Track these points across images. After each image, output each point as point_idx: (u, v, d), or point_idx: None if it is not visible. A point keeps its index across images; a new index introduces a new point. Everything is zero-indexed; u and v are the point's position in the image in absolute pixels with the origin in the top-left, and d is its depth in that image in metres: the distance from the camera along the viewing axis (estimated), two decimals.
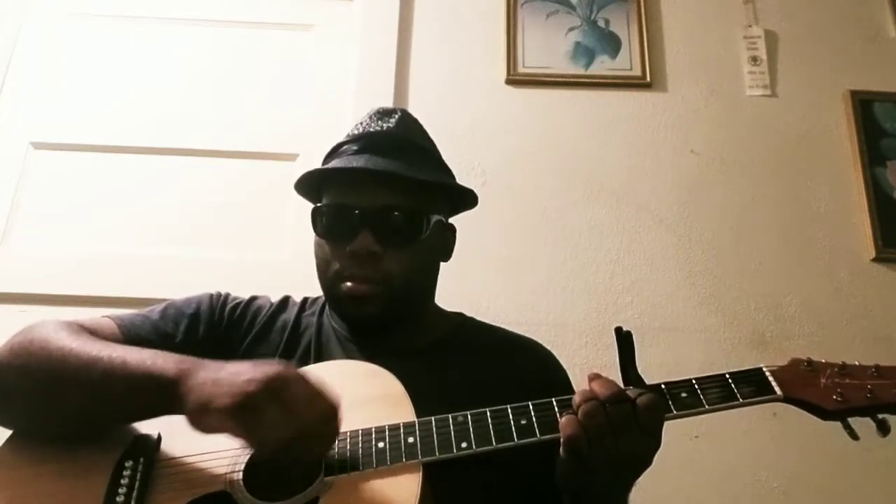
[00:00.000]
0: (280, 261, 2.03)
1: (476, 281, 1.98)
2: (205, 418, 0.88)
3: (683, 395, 0.96)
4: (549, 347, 1.28)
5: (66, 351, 0.99)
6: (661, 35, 2.30)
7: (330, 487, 0.92)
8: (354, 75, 2.22)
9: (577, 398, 0.93)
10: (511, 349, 1.25)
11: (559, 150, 2.17)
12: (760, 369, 0.99)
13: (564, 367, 1.26)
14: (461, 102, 2.21)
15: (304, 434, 0.87)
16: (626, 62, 2.26)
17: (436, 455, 0.94)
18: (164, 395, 0.92)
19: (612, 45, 2.28)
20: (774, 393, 0.96)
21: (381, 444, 0.95)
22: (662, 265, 2.05)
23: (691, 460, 1.82)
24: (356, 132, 1.20)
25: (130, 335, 1.11)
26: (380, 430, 0.96)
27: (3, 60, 2.24)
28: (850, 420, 0.94)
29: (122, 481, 0.95)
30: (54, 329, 1.04)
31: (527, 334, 1.30)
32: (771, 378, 0.97)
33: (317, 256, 1.19)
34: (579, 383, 0.98)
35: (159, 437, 1.00)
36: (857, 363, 0.98)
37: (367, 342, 1.17)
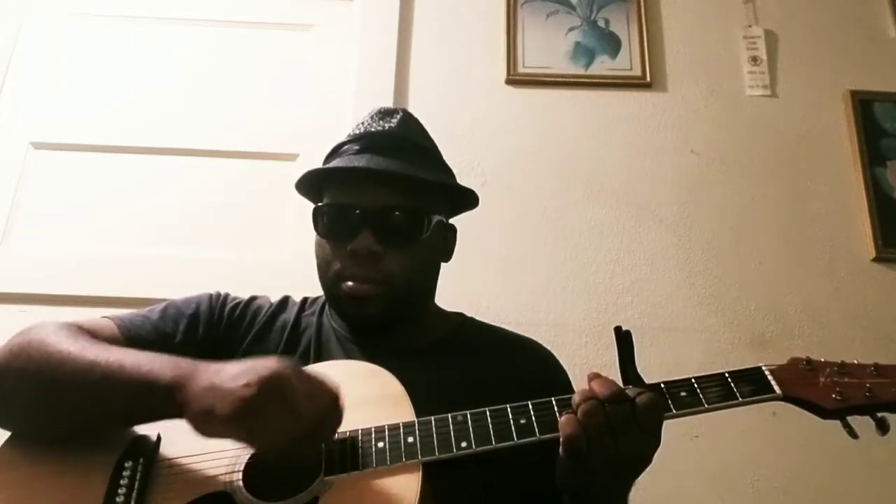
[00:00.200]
0: (280, 261, 2.03)
1: (476, 281, 1.98)
2: (208, 426, 0.89)
3: (683, 394, 0.96)
4: (549, 347, 1.28)
5: (64, 354, 0.99)
6: (661, 35, 2.30)
7: (330, 487, 0.92)
8: (354, 75, 2.22)
9: (576, 398, 0.93)
10: (511, 349, 1.25)
11: (559, 150, 2.17)
12: (760, 368, 0.99)
13: (564, 367, 1.26)
14: (461, 102, 2.21)
15: (309, 428, 0.87)
16: (626, 62, 2.26)
17: (435, 455, 0.94)
18: (162, 402, 0.92)
19: (612, 45, 2.28)
20: (774, 392, 0.96)
21: (380, 444, 0.95)
22: (662, 265, 2.05)
23: (691, 460, 1.81)
24: (357, 132, 1.21)
25: (130, 335, 1.11)
26: (379, 430, 0.96)
27: (3, 60, 2.24)
28: (850, 419, 0.94)
29: (122, 482, 0.95)
30: (54, 331, 1.04)
31: (527, 334, 1.30)
32: (770, 377, 0.97)
33: (317, 256, 1.19)
34: (579, 383, 0.98)
35: (159, 438, 1.00)
36: (856, 362, 0.98)
37: (367, 342, 1.17)
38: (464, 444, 0.95)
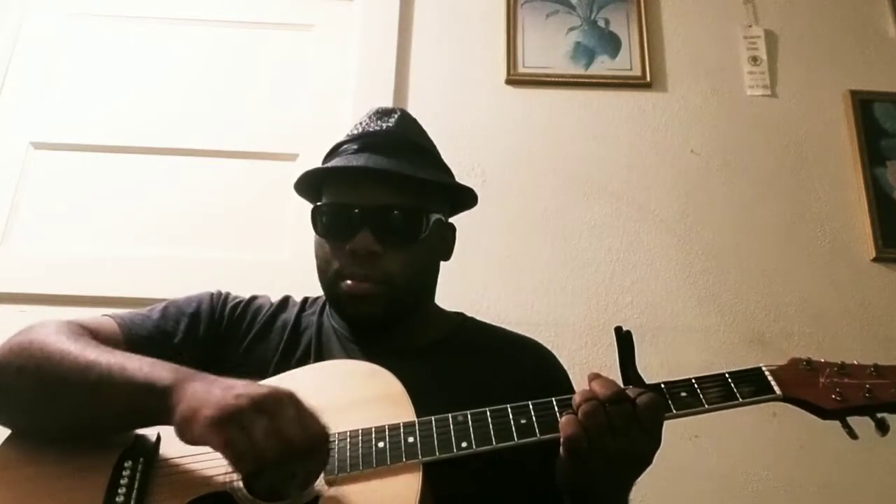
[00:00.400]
0: (280, 261, 2.03)
1: (476, 281, 1.98)
2: (189, 428, 0.87)
3: (683, 394, 0.96)
4: (549, 347, 1.28)
5: (64, 353, 0.99)
6: (661, 35, 2.30)
7: (330, 487, 0.92)
8: (354, 75, 2.22)
9: (576, 398, 0.93)
10: (512, 349, 1.25)
11: (559, 150, 2.17)
12: (760, 369, 0.99)
13: (564, 367, 1.26)
14: (461, 102, 2.21)
15: (289, 456, 0.84)
16: (626, 62, 2.26)
17: (436, 455, 0.94)
18: (157, 404, 0.92)
19: (612, 45, 2.28)
20: (774, 392, 0.96)
21: (381, 444, 0.95)
22: (662, 265, 2.05)
23: (691, 460, 1.82)
24: (356, 132, 1.21)
25: (131, 334, 1.11)
26: (380, 430, 0.96)
27: (3, 60, 2.25)
28: (850, 419, 0.94)
29: (122, 481, 0.95)
30: (54, 330, 1.04)
31: (527, 334, 1.30)
32: (770, 377, 0.97)
33: (317, 256, 1.19)
34: (579, 383, 0.98)
35: (159, 438, 0.99)
36: (856, 362, 0.98)
37: (367, 342, 1.17)
38: (464, 445, 0.95)
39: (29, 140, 2.17)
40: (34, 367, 0.99)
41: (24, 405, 1.02)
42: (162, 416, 0.92)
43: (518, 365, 1.20)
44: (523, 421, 0.96)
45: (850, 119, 2.18)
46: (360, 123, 1.22)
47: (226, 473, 0.95)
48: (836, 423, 0.95)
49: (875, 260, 2.04)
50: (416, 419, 0.97)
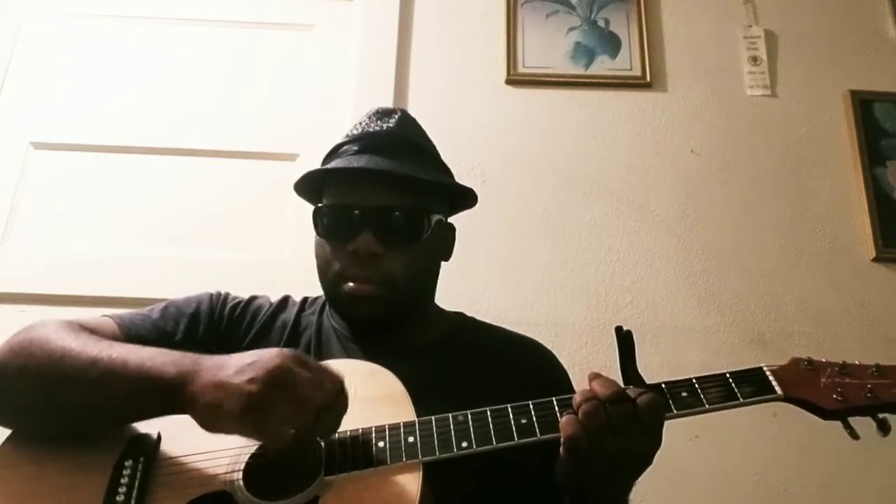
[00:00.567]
0: (280, 261, 2.03)
1: (476, 281, 1.98)
2: (216, 423, 0.89)
3: (684, 394, 0.96)
4: (549, 347, 1.28)
5: (66, 351, 0.99)
6: (661, 35, 2.30)
7: (330, 487, 0.91)
8: (354, 75, 2.22)
9: (577, 398, 0.93)
10: (512, 349, 1.25)
11: (559, 150, 2.17)
12: (760, 369, 0.98)
13: (564, 366, 1.26)
14: (461, 102, 2.21)
15: (316, 416, 0.87)
16: (626, 62, 2.26)
17: (436, 454, 0.94)
18: (165, 397, 0.92)
19: (612, 45, 2.28)
20: (775, 392, 0.96)
21: (381, 444, 0.95)
22: (662, 265, 2.05)
23: (691, 460, 1.82)
24: (356, 132, 1.21)
25: (130, 334, 1.11)
26: (380, 430, 0.96)
27: (3, 60, 2.24)
28: (851, 419, 0.94)
29: (122, 480, 0.94)
30: (55, 329, 1.04)
31: (527, 334, 1.29)
32: (771, 377, 0.97)
33: (318, 257, 1.19)
34: (579, 383, 0.97)
35: (159, 437, 0.99)
36: (857, 362, 0.97)
37: (367, 342, 1.17)
38: (464, 444, 0.94)
39: (29, 140, 2.17)
40: (35, 366, 0.99)
41: (25, 405, 1.02)
42: (168, 409, 0.93)
43: (518, 365, 1.20)
44: (524, 421, 0.96)
45: (850, 119, 2.18)
46: (360, 124, 1.22)
47: (226, 473, 0.95)
48: (837, 424, 0.95)
49: (875, 260, 2.04)
50: (416, 419, 0.97)
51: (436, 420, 0.97)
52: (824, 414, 0.95)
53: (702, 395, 0.96)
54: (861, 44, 2.30)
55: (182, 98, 2.24)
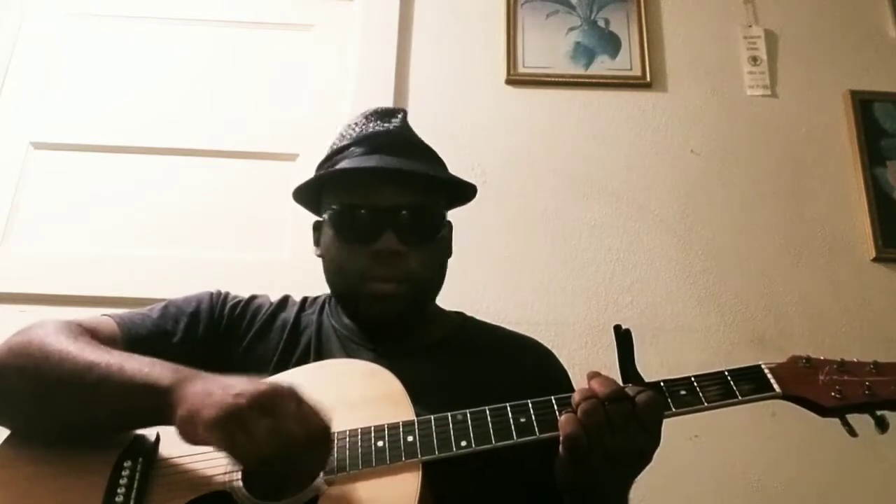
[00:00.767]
0: (280, 261, 2.03)
1: (476, 281, 1.98)
2: (191, 429, 0.88)
3: (682, 392, 0.96)
4: (549, 347, 1.28)
5: (64, 354, 0.99)
6: (661, 35, 2.30)
7: (329, 486, 0.91)
8: (354, 75, 2.22)
9: (576, 396, 0.93)
10: (511, 348, 1.25)
11: (559, 150, 2.17)
12: (759, 366, 0.99)
13: (564, 366, 1.26)
14: (461, 102, 2.21)
15: (291, 452, 0.85)
16: (626, 62, 2.26)
17: (435, 454, 0.94)
18: (158, 404, 0.92)
19: (612, 45, 2.28)
20: (773, 390, 0.96)
21: (380, 443, 0.95)
22: (662, 265, 2.05)
23: (691, 460, 1.81)
24: (357, 133, 1.20)
25: (130, 334, 1.11)
26: (379, 429, 0.96)
27: (3, 60, 2.24)
28: (849, 417, 0.94)
29: (121, 481, 0.95)
30: (54, 330, 1.04)
31: (527, 334, 1.30)
32: (769, 375, 0.97)
33: (331, 258, 1.18)
34: (579, 383, 0.97)
35: (158, 437, 0.99)
36: (855, 360, 0.97)
37: (368, 341, 1.17)
38: (463, 444, 0.94)
39: (29, 140, 2.17)
40: (34, 367, 0.99)
41: (23, 406, 1.02)
42: (162, 416, 0.92)
43: (518, 364, 1.20)
44: (523, 420, 0.96)
45: (850, 119, 2.18)
46: (357, 125, 1.22)
47: (225, 473, 0.95)
48: (836, 422, 0.95)
49: (875, 260, 2.04)
50: (415, 418, 0.97)
51: (435, 419, 0.97)
52: (822, 411, 0.95)
53: (700, 394, 0.96)
54: (861, 44, 2.29)
55: (182, 98, 2.24)
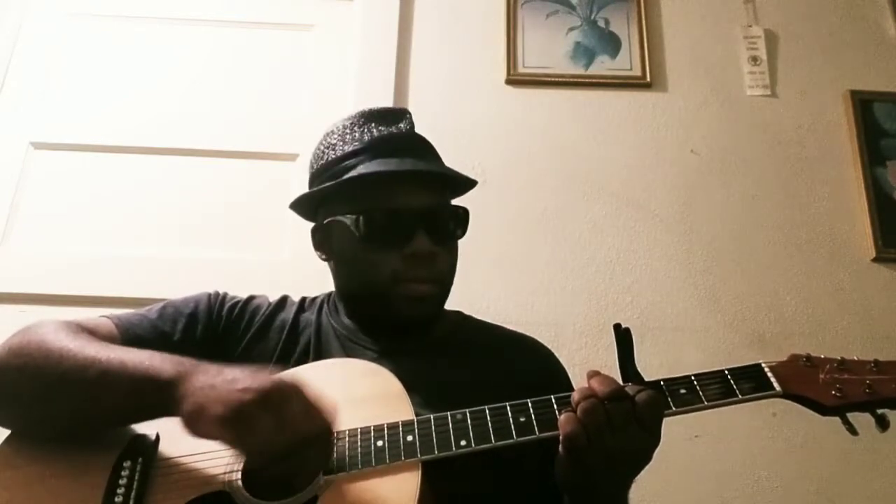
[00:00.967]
0: (280, 261, 2.02)
1: (476, 281, 1.98)
2: (198, 424, 0.88)
3: (682, 391, 0.96)
4: (549, 347, 1.28)
5: (64, 352, 0.99)
6: (661, 35, 2.30)
7: (329, 486, 0.91)
8: (354, 75, 2.22)
9: (575, 395, 0.93)
10: (511, 348, 1.25)
11: (559, 150, 2.17)
12: (759, 365, 0.99)
13: (564, 366, 1.26)
14: (461, 102, 2.21)
15: (296, 447, 0.86)
16: (626, 62, 2.26)
17: (435, 453, 0.93)
18: (161, 397, 0.92)
19: (612, 45, 2.28)
20: (773, 389, 0.96)
21: (379, 443, 0.95)
22: (662, 265, 2.05)
23: (690, 460, 1.81)
24: (369, 137, 1.18)
25: (128, 334, 1.11)
26: (378, 429, 0.96)
27: (3, 60, 2.24)
28: (849, 415, 0.94)
29: (121, 481, 0.94)
30: (53, 329, 1.04)
31: (527, 334, 1.29)
32: (770, 374, 0.97)
33: (352, 262, 1.17)
34: (579, 383, 0.97)
35: (158, 437, 0.99)
36: (855, 358, 0.97)
37: (367, 341, 1.17)
38: (463, 443, 0.94)
39: (29, 140, 2.17)
40: (34, 367, 0.99)
41: (24, 405, 1.02)
42: (166, 409, 0.92)
43: (517, 363, 1.20)
44: (522, 419, 0.96)
45: (850, 119, 2.18)
46: (357, 128, 1.20)
47: (225, 473, 0.95)
48: (836, 421, 0.95)
49: (875, 260, 2.04)
50: (414, 418, 0.97)
51: (434, 419, 0.97)
52: (823, 410, 0.95)
53: (700, 392, 0.96)
54: (861, 44, 2.29)
55: (182, 98, 2.24)
